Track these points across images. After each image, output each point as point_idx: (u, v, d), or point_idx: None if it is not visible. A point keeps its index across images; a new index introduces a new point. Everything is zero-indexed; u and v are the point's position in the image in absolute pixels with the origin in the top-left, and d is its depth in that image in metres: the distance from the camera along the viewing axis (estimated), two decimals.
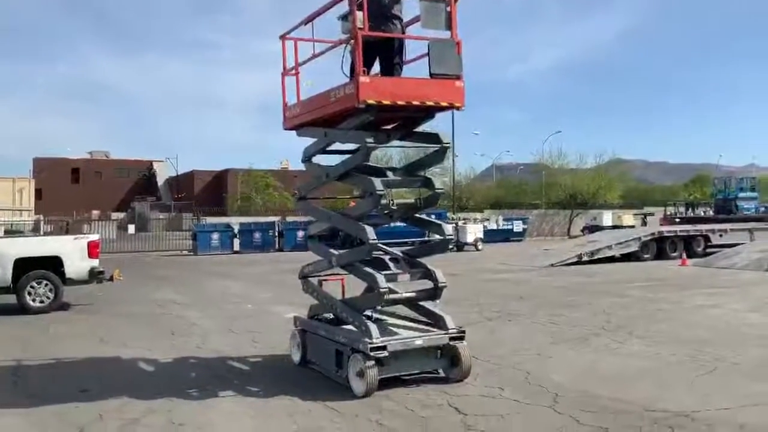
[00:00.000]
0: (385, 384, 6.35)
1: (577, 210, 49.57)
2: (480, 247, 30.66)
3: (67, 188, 74.05)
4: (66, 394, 6.46)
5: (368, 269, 6.58)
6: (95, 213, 56.05)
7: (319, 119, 7.07)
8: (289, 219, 38.03)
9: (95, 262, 12.68)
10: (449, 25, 6.54)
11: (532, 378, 6.82)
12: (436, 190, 6.83)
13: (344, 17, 6.63)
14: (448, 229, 6.95)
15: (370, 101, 6.23)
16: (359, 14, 6.24)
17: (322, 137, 7.23)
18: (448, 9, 6.52)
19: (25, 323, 11.09)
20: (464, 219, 34.47)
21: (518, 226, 38.95)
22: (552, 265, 21.01)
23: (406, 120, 7.01)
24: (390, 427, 5.42)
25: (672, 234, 24.09)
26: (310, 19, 7.01)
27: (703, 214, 39.18)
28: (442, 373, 6.79)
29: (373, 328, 6.37)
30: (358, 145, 6.82)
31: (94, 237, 12.97)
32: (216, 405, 6.16)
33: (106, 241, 34.20)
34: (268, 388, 6.62)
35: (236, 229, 31.73)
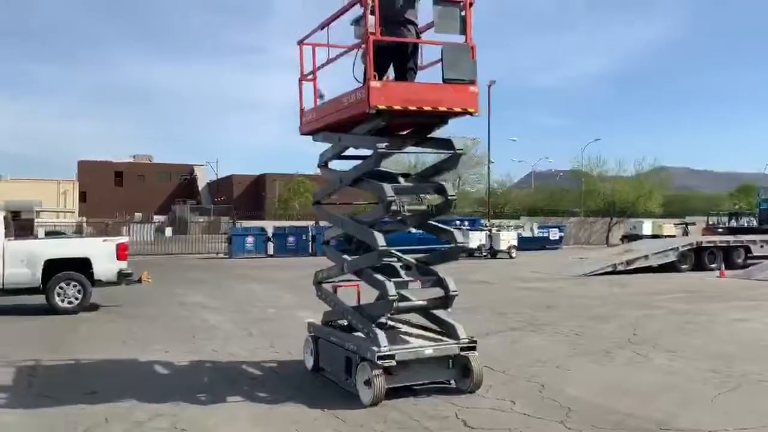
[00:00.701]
0: (394, 393, 6.25)
1: (616, 218, 48.71)
2: (514, 255, 30.30)
3: (110, 191, 75.60)
4: (76, 396, 6.50)
5: (379, 276, 6.48)
6: (138, 215, 57.05)
7: (333, 124, 7.03)
8: (323, 224, 38.11)
9: (123, 264, 12.85)
10: (463, 30, 6.43)
11: (547, 391, 6.63)
12: (449, 197, 6.69)
13: (357, 22, 6.57)
14: (460, 236, 6.79)
15: (381, 107, 6.15)
16: (371, 19, 6.18)
17: (336, 142, 7.18)
18: (463, 13, 6.41)
19: (52, 323, 11.27)
20: (498, 226, 34.06)
21: (554, 234, 38.44)
22: (585, 274, 20.62)
23: (419, 126, 6.90)
24: None
25: (711, 244, 23.42)
26: (325, 24, 6.97)
27: (746, 224, 38.03)
28: (454, 384, 6.65)
29: (381, 336, 6.26)
30: (371, 151, 6.74)
31: (123, 239, 13.13)
32: (222, 410, 6.11)
33: (143, 244, 34.97)
34: (277, 394, 6.57)
35: (270, 232, 31.97)
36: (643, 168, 53.71)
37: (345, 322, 7.22)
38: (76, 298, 12.41)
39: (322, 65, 7.31)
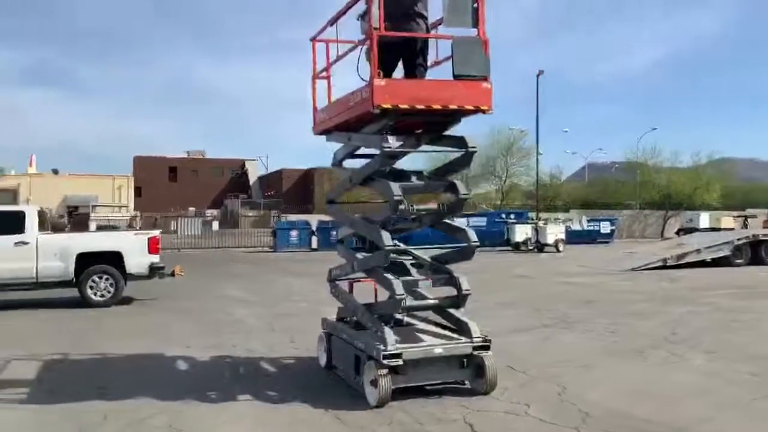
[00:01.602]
0: (404, 394, 5.97)
1: (672, 211, 47.12)
2: (561, 249, 29.53)
3: (165, 186, 77.18)
4: (85, 392, 6.42)
5: (387, 275, 6.18)
6: (191, 210, 58.09)
7: (342, 124, 6.76)
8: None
9: (155, 258, 12.89)
10: (476, 22, 6.08)
11: (567, 394, 6.24)
12: (461, 196, 6.35)
13: (362, 16, 6.27)
14: (473, 235, 6.42)
15: (386, 105, 5.85)
16: (375, 13, 5.89)
17: (347, 142, 6.93)
18: (475, 5, 6.06)
19: (82, 316, 11.37)
20: (545, 219, 33.25)
21: (606, 228, 37.38)
22: (633, 269, 19.87)
23: (432, 124, 6.55)
24: None
25: None
26: (334, 20, 6.69)
27: None
28: (468, 385, 6.32)
29: (389, 334, 5.98)
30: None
31: (155, 233, 13.17)
32: (226, 408, 5.93)
33: (192, 238, 35.47)
34: (285, 392, 6.35)
35: (314, 226, 31.97)
36: (701, 159, 51.87)
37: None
38: (109, 292, 12.51)
39: (333, 62, 7.04)
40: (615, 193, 55.69)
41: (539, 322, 10.32)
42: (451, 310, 6.49)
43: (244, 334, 9.55)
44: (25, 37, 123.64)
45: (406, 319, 7.09)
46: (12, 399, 6.31)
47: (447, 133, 6.57)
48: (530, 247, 29.93)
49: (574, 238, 33.54)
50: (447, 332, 6.60)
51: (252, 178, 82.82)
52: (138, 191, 67.09)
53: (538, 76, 38.60)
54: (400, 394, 5.92)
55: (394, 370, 5.95)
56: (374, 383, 5.85)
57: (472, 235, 6.39)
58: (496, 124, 49.76)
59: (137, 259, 12.70)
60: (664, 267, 20.04)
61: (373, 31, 5.86)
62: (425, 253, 6.86)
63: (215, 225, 46.47)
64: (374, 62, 5.88)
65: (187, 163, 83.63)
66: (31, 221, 12.32)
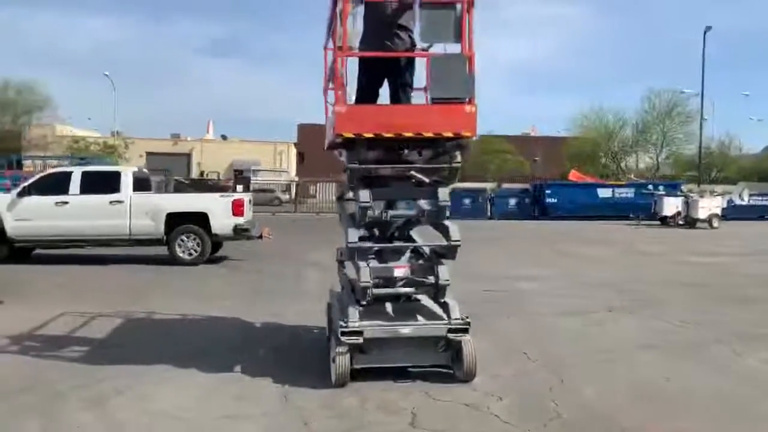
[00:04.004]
0: (379, 375, 5.50)
1: None
2: (716, 225, 26.63)
3: (327, 153, 79.60)
4: (86, 351, 6.56)
5: (361, 262, 5.63)
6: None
7: (331, 144, 6.22)
8: (507, 186, 36.79)
9: (240, 220, 13.16)
10: (458, 36, 5.37)
11: (559, 389, 5.42)
12: (441, 203, 5.66)
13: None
14: (455, 234, 5.66)
15: (348, 135, 5.35)
16: (339, 31, 5.38)
17: (339, 157, 6.39)
18: (459, 15, 5.36)
19: (158, 275, 11.88)
20: (699, 192, 30.12)
21: None
22: None
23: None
24: (312, 430, 4.60)
25: None
26: (330, 28, 6.13)
27: None
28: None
29: (353, 311, 5.49)
30: None
31: (239, 196, 13.45)
32: (186, 377, 5.73)
33: (330, 203, 36.35)
34: (270, 364, 6.10)
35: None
36: None
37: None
38: (195, 251, 12.99)
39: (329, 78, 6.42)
40: None
41: (608, 304, 9.19)
42: (442, 282, 5.67)
43: (290, 300, 9.40)
44: (216, 9, 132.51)
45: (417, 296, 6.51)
46: (8, 348, 6.64)
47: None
48: (680, 222, 27.34)
49: (736, 213, 30.24)
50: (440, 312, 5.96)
51: None
52: (301, 157, 69.89)
53: (705, 32, 35.01)
54: (369, 374, 5.48)
55: (360, 350, 5.49)
56: (334, 361, 5.42)
57: (454, 234, 5.66)
58: (655, 86, 45.83)
59: (222, 221, 13.04)
60: None
61: (337, 51, 5.39)
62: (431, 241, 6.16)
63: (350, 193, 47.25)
64: (336, 85, 5.45)
65: None
66: (126, 181, 13.04)
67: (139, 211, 12.88)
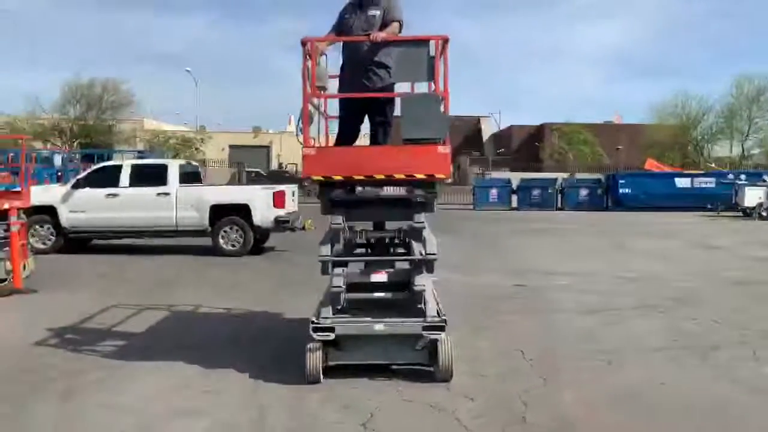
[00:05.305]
0: (359, 372, 5.42)
1: None
2: (766, 215, 25.05)
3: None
4: (79, 346, 6.66)
5: (337, 269, 5.59)
6: None
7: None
8: (580, 176, 35.60)
9: (281, 212, 13.30)
10: (431, 75, 5.29)
11: (537, 391, 5.17)
12: (416, 225, 5.55)
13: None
14: (431, 247, 5.47)
15: (316, 178, 5.34)
16: (308, 72, 5.34)
17: None
18: (432, 54, 5.27)
19: (196, 266, 12.13)
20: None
21: None
22: None
23: None
24: (262, 426, 4.56)
25: None
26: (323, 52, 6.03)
27: None
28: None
29: (326, 309, 5.42)
30: None
31: (280, 188, 13.57)
32: (179, 371, 5.77)
33: None
34: (258, 360, 6.08)
35: (515, 184, 30.80)
36: None
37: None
38: (238, 242, 13.22)
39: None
40: None
41: (631, 302, 8.70)
42: (417, 287, 5.54)
43: (316, 294, 9.36)
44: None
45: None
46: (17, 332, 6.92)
47: None
48: (762, 213, 25.70)
49: None
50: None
51: (485, 135, 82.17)
52: None
53: None
54: (348, 371, 5.41)
55: (334, 346, 5.40)
56: (304, 357, 5.36)
57: (430, 247, 5.48)
58: (742, 71, 43.19)
59: (263, 213, 13.21)
60: None
61: (305, 92, 5.35)
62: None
63: None
64: (304, 127, 5.38)
65: None
66: (173, 174, 13.40)
67: (184, 203, 13.22)
